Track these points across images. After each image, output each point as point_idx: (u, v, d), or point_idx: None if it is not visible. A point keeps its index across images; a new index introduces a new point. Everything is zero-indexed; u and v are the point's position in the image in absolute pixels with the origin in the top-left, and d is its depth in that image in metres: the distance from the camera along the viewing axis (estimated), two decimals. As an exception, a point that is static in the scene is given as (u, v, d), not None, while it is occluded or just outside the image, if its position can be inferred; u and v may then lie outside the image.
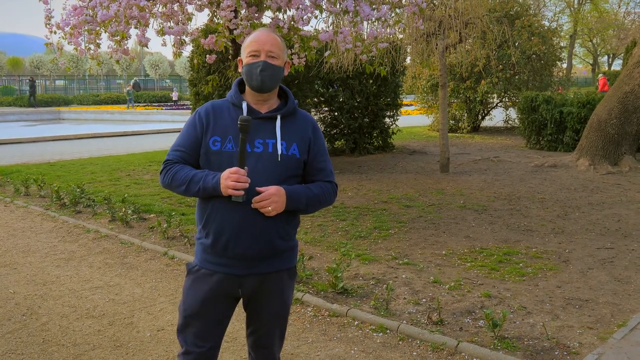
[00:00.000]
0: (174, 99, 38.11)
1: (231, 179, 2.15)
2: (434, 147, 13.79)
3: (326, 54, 7.22)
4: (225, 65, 9.15)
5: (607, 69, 49.17)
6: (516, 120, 15.95)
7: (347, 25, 6.41)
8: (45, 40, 6.53)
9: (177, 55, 6.82)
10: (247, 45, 2.32)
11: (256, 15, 6.43)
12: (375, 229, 6.53)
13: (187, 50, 11.87)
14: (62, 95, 40.20)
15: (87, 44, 6.51)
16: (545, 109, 13.11)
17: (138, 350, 3.73)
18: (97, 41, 6.45)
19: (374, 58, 7.74)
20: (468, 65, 15.67)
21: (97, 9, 6.03)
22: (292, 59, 6.96)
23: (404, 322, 4.03)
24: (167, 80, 56.18)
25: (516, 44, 16.16)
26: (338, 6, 6.07)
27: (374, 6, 6.23)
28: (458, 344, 3.68)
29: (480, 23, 10.14)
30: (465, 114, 17.81)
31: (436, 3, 10.22)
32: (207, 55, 6.99)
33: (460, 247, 5.82)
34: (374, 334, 3.92)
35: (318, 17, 6.47)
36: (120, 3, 5.90)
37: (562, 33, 29.78)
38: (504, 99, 17.79)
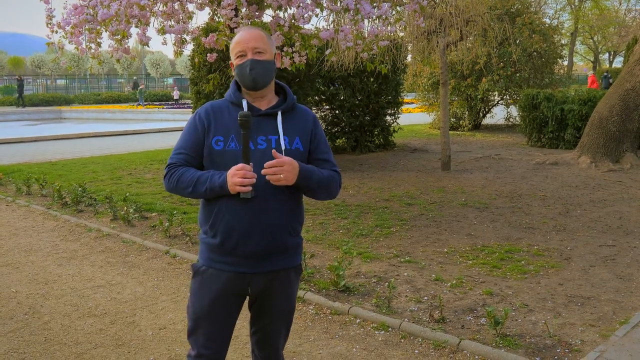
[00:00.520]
0: (175, 97, 38.11)
1: (238, 176, 2.13)
2: (435, 145, 13.78)
3: (327, 52, 7.21)
4: (226, 63, 9.14)
5: (608, 66, 49.12)
6: (517, 118, 15.93)
7: (348, 23, 6.40)
8: (46, 40, 6.53)
9: (178, 54, 6.82)
10: (233, 48, 2.32)
11: (257, 13, 6.42)
12: (376, 227, 6.53)
13: (188, 49, 11.93)
14: (63, 94, 40.21)
15: (88, 43, 6.51)
16: (546, 107, 13.09)
17: (140, 349, 3.74)
18: (98, 40, 6.45)
19: (374, 56, 7.73)
20: (469, 63, 15.65)
21: (97, 8, 6.03)
22: (293, 58, 6.96)
23: (406, 320, 4.03)
24: (168, 79, 56.22)
25: (517, 42, 16.14)
26: (339, 4, 6.06)
27: (374, 4, 6.22)
28: (460, 341, 3.68)
29: (481, 20, 10.13)
30: (466, 112, 17.80)
31: (437, 1, 10.20)
32: (208, 54, 6.98)
33: (461, 245, 5.82)
34: (376, 332, 3.92)
35: (319, 16, 6.47)
36: (120, 2, 5.89)
37: (563, 30, 29.72)
38: (505, 97, 17.77)
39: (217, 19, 6.84)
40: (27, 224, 7.00)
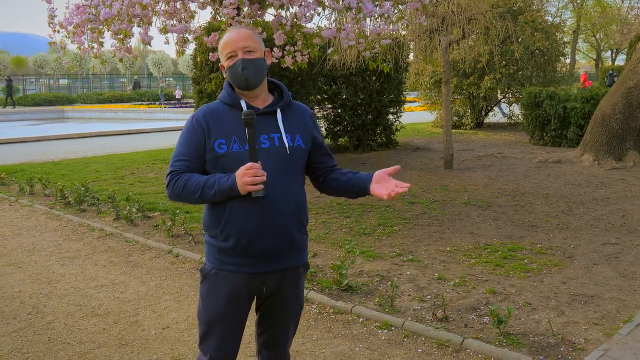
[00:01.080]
0: (177, 97, 38.13)
1: (248, 175, 2.11)
2: (437, 144, 13.77)
3: (329, 51, 7.20)
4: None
5: (610, 64, 48.98)
6: (520, 116, 15.89)
7: (349, 22, 6.39)
8: (48, 39, 6.54)
9: (180, 53, 6.82)
10: (222, 49, 2.29)
11: (259, 12, 6.42)
12: (379, 225, 6.53)
13: (190, 48, 11.92)
14: (66, 94, 40.30)
15: (90, 43, 6.52)
16: (549, 105, 13.07)
17: (143, 349, 3.74)
18: (100, 40, 6.45)
19: (377, 55, 7.73)
20: (471, 61, 15.61)
21: (99, 8, 6.03)
22: (295, 57, 6.95)
23: (409, 318, 4.03)
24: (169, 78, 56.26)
25: (519, 40, 16.09)
26: (341, 3, 6.05)
27: (376, 3, 6.21)
28: (463, 340, 3.67)
29: (484, 19, 10.12)
30: (469, 110, 17.77)
31: (439, -1, 10.19)
32: (210, 53, 6.98)
33: (464, 244, 5.81)
34: (379, 331, 3.92)
35: (321, 14, 6.45)
36: (122, 1, 5.90)
37: (565, 28, 29.66)
38: (507, 95, 17.74)
39: (219, 18, 6.84)
40: (30, 224, 7.01)
